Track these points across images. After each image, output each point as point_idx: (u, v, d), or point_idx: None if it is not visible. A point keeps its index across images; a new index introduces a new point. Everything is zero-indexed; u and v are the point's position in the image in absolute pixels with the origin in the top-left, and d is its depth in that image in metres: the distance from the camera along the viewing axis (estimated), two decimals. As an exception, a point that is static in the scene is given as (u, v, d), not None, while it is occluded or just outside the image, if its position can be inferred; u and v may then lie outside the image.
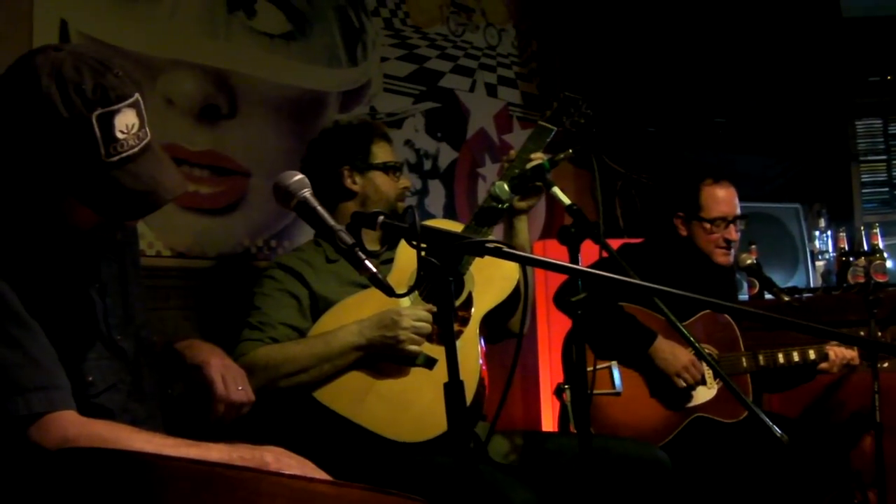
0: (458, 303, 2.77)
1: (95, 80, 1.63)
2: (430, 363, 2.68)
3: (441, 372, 2.60)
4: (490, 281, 2.85)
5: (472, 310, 2.80)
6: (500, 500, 2.39)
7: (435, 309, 2.65)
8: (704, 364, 3.35)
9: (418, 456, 2.58)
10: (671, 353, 3.34)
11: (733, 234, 3.59)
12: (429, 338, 2.68)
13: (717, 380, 3.39)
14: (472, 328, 2.77)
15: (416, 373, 2.69)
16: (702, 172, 3.66)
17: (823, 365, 3.53)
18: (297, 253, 2.99)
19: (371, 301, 2.72)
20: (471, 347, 2.73)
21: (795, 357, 3.51)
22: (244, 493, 1.37)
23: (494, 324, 2.92)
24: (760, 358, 3.49)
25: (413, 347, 2.65)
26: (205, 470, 1.40)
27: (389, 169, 3.03)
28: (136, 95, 1.69)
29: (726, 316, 3.57)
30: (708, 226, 3.56)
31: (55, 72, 1.63)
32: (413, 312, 2.67)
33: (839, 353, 3.52)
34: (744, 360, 3.49)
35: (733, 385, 2.22)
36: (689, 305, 3.40)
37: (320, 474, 1.68)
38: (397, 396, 2.66)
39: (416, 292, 2.76)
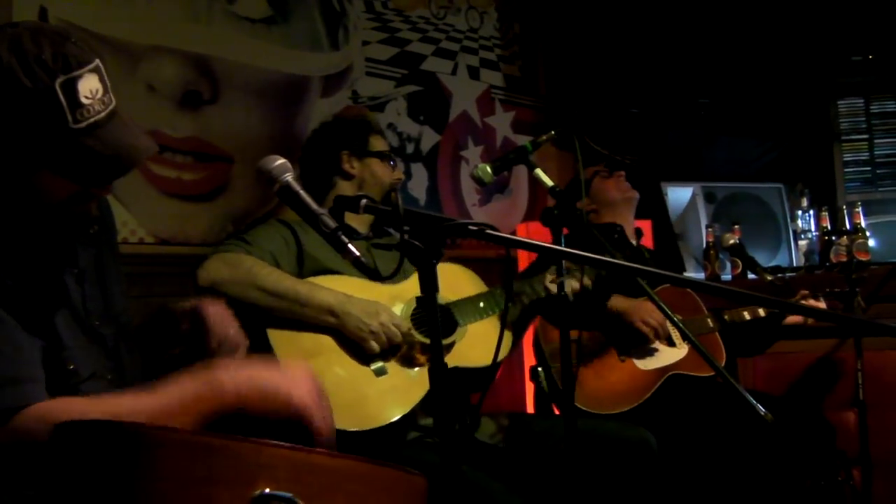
0: (444, 341, 2.73)
1: (54, 49, 1.64)
2: (380, 372, 2.67)
3: (383, 380, 2.64)
4: (471, 349, 2.81)
5: (447, 356, 2.74)
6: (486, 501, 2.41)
7: (417, 337, 2.68)
8: (671, 326, 3.37)
9: (406, 451, 2.60)
10: (630, 303, 3.36)
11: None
12: (393, 353, 2.69)
13: (686, 340, 3.41)
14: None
15: (367, 371, 2.67)
16: None
17: (792, 318, 3.56)
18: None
19: (373, 293, 2.73)
20: (422, 380, 2.69)
21: (761, 312, 3.54)
22: (242, 463, 1.36)
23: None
24: (725, 316, 3.51)
25: (374, 345, 2.64)
26: (202, 441, 1.38)
27: (385, 158, 3.08)
28: (97, 61, 1.69)
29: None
30: None
31: (14, 45, 1.63)
32: (395, 316, 2.68)
33: (811, 304, 3.55)
34: (709, 320, 3.51)
35: (704, 350, 2.26)
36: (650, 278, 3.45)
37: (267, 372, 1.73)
38: (344, 377, 2.63)
39: (415, 315, 2.77)
